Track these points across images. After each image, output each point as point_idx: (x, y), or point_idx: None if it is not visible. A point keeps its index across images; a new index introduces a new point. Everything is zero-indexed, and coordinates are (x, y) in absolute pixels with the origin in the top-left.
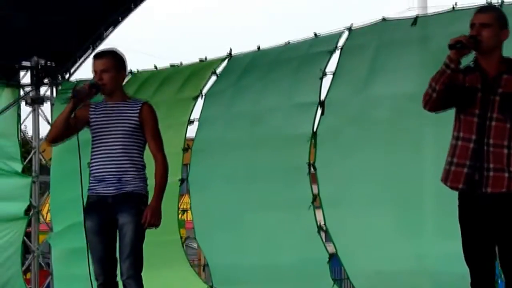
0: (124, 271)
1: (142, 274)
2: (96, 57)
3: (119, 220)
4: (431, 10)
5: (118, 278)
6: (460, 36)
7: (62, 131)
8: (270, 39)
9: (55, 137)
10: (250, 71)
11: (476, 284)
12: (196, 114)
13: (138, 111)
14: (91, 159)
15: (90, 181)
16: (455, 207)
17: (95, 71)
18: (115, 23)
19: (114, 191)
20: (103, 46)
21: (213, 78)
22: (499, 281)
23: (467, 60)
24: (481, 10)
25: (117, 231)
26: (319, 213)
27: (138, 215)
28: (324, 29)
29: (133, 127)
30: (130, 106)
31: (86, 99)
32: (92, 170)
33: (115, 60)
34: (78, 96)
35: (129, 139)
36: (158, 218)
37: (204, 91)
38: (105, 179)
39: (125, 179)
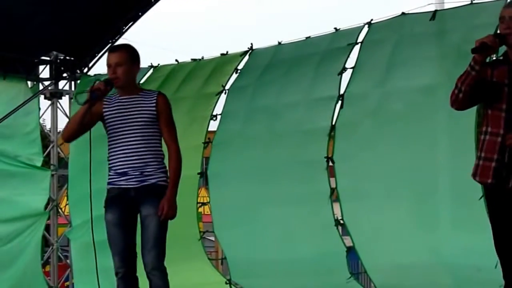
0: (148, 263)
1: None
2: (110, 51)
3: (142, 212)
4: (449, 5)
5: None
6: (484, 37)
7: (77, 130)
8: (289, 34)
9: (70, 136)
10: (272, 66)
11: (509, 276)
12: (219, 109)
13: (154, 102)
14: (110, 153)
15: (110, 175)
16: (471, 200)
17: (109, 64)
18: (135, 18)
19: (136, 184)
20: (121, 41)
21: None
22: None
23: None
24: (510, 4)
25: (139, 223)
26: (336, 207)
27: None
28: (344, 24)
29: (151, 118)
30: (145, 98)
31: (103, 98)
32: (112, 164)
33: (129, 53)
34: (95, 97)
35: (148, 130)
36: (174, 210)
37: (227, 86)
38: (127, 173)
39: (147, 171)
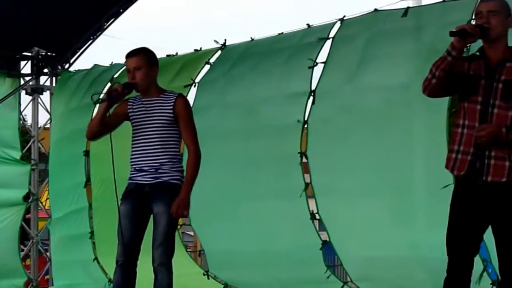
0: (156, 258)
1: (139, 259)
2: (128, 56)
3: (154, 209)
4: (425, 1)
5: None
6: (465, 24)
7: (99, 129)
8: (264, 31)
9: (93, 136)
10: (242, 60)
11: (453, 272)
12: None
13: (172, 104)
14: (131, 152)
15: (130, 171)
16: (446, 195)
17: (128, 69)
18: (117, 15)
19: (151, 180)
20: (103, 37)
21: (207, 67)
22: (488, 264)
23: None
24: None
25: (150, 219)
26: (312, 202)
27: (172, 205)
28: (318, 21)
29: (169, 120)
30: (164, 100)
31: (119, 100)
32: (132, 161)
33: (147, 57)
34: (112, 98)
35: (166, 132)
36: (186, 209)
37: (197, 80)
38: (143, 169)
39: (162, 169)
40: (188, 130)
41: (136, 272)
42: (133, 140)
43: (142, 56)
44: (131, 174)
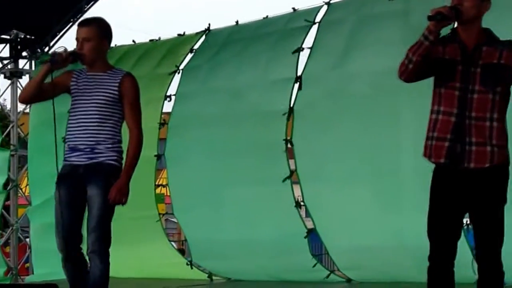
0: (89, 245)
1: (119, 249)
2: (80, 24)
3: (88, 192)
4: None
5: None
6: (441, 7)
7: (35, 93)
8: (250, 14)
9: (26, 98)
10: (227, 46)
11: (437, 258)
12: (173, 89)
13: (118, 82)
14: (68, 128)
15: (65, 150)
16: None
17: (77, 38)
18: None
19: (86, 160)
20: None
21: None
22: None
23: (446, 30)
24: None
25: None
26: (297, 189)
27: (106, 187)
28: (304, 5)
29: (112, 98)
30: (111, 77)
31: (62, 65)
32: (67, 138)
33: (99, 29)
34: (54, 61)
35: (107, 110)
36: (125, 196)
37: (181, 66)
38: (78, 148)
39: (98, 149)
40: (132, 111)
41: (83, 260)
42: (70, 116)
43: (94, 27)
44: (65, 154)
